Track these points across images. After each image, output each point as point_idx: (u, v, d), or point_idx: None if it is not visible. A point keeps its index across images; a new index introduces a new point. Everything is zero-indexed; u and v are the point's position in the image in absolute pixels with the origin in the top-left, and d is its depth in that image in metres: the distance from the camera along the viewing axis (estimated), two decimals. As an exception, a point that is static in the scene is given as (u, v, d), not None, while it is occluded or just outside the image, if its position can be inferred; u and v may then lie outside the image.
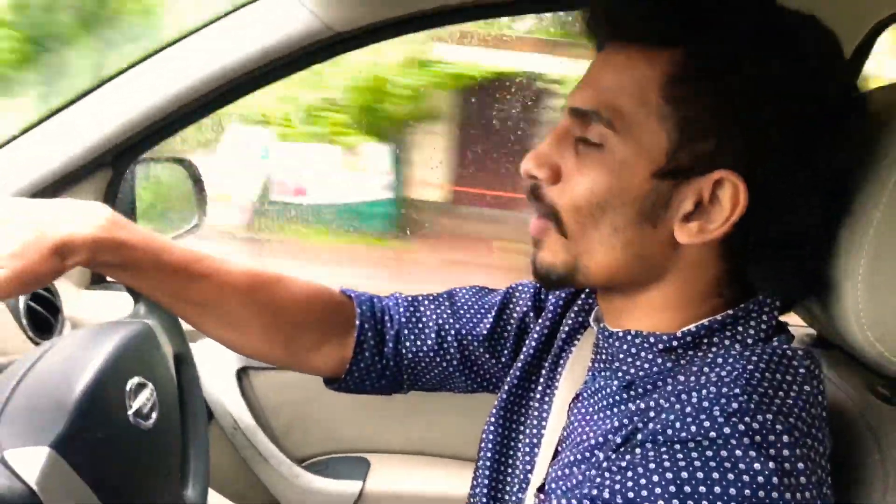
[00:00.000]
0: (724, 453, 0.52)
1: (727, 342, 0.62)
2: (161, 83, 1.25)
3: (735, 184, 0.58)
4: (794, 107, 0.57)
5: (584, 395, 0.70)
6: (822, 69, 0.59)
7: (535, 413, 0.78)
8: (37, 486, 0.58)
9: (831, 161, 0.60)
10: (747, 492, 0.50)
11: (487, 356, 0.88)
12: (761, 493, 0.50)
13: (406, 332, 0.88)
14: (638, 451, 0.55)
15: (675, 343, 0.63)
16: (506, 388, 0.82)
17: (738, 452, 0.51)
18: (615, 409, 0.65)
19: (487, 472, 0.80)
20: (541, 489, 0.69)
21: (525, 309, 0.88)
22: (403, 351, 0.88)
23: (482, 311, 0.89)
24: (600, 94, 0.62)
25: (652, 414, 0.59)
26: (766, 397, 0.55)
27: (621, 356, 0.67)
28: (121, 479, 0.68)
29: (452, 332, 0.88)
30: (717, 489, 0.50)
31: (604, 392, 0.67)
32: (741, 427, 0.52)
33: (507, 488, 0.79)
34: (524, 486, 0.74)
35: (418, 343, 0.88)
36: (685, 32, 0.59)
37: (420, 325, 0.88)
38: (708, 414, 0.54)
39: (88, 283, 1.47)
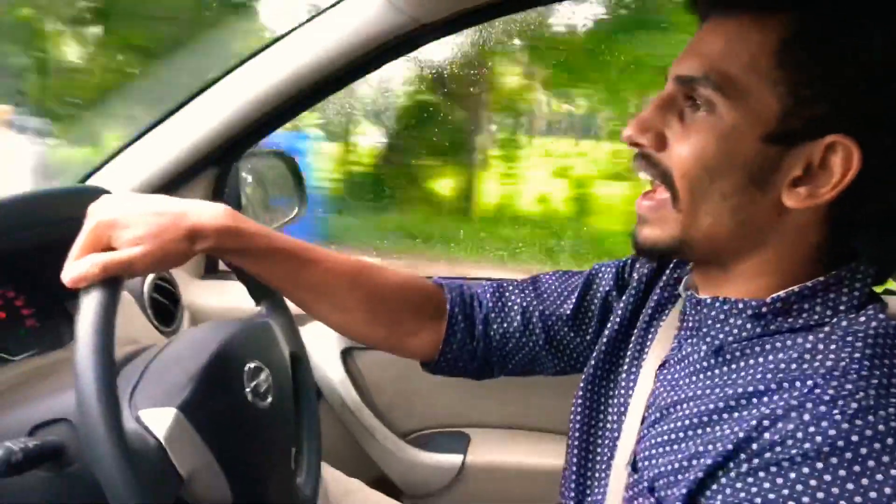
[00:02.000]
0: (856, 467, 0.51)
1: (818, 308, 0.62)
2: (260, 83, 1.33)
3: (848, 147, 0.57)
4: None
5: (671, 361, 0.71)
6: None
7: (623, 384, 0.79)
8: (165, 440, 0.67)
9: None
10: (887, 499, 0.49)
11: (572, 335, 0.90)
12: None
13: (493, 315, 0.92)
14: (762, 475, 0.55)
15: (763, 309, 0.63)
16: (592, 362, 0.84)
17: (871, 463, 0.50)
18: (704, 375, 0.65)
19: (577, 444, 0.83)
20: (633, 467, 0.70)
21: (608, 288, 0.89)
22: (492, 333, 0.91)
23: (566, 292, 0.91)
24: (708, 61, 0.62)
25: (765, 421, 0.56)
26: (882, 388, 0.53)
27: (710, 322, 0.67)
28: (238, 450, 0.75)
29: (537, 313, 0.90)
30: (858, 499, 0.50)
31: (692, 357, 0.68)
32: (868, 431, 0.51)
33: (598, 458, 0.81)
34: (612, 454, 0.76)
35: (504, 325, 0.91)
36: None
37: (506, 309, 0.92)
38: (829, 419, 0.52)
39: (202, 273, 1.59)
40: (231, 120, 1.35)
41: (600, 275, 0.91)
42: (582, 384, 0.85)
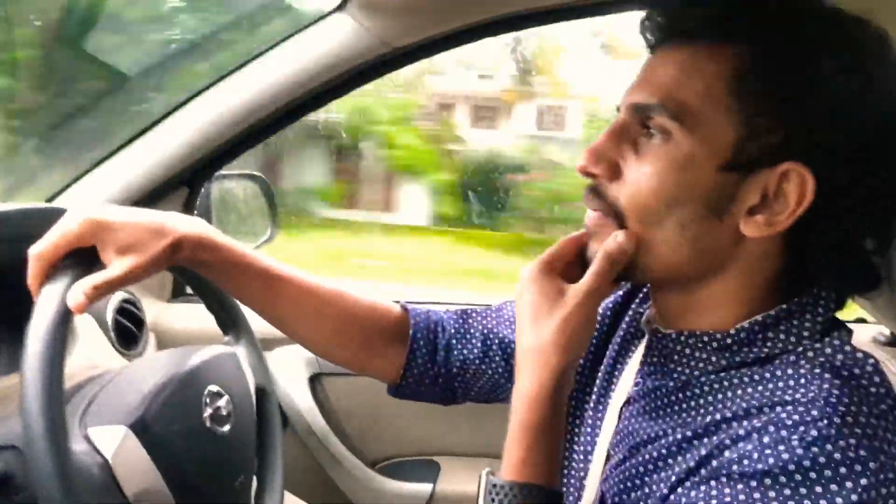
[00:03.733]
0: (803, 489, 0.51)
1: (782, 336, 0.61)
2: (231, 105, 1.32)
3: (802, 175, 0.58)
4: (858, 101, 0.58)
5: (636, 397, 0.70)
6: (882, 67, 0.59)
7: (590, 422, 0.78)
8: (111, 459, 0.66)
9: None
10: None
11: None
12: None
13: (454, 341, 0.92)
14: (714, 485, 0.55)
15: (729, 340, 0.63)
16: None
17: (818, 489, 0.50)
18: (671, 410, 0.65)
19: None
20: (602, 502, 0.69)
21: None
22: (452, 359, 0.91)
23: None
24: (663, 89, 0.62)
25: (727, 440, 0.57)
26: (848, 417, 0.53)
27: (675, 357, 0.67)
28: (191, 475, 0.73)
29: (497, 339, 0.90)
30: None
31: (657, 393, 0.67)
32: (822, 459, 0.51)
33: (565, 498, 0.79)
34: (580, 494, 0.75)
35: (465, 351, 0.91)
36: (751, 28, 0.60)
37: (469, 335, 0.92)
38: (786, 443, 0.53)
39: (169, 297, 1.56)
40: (202, 140, 1.34)
41: None
42: None
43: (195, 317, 1.47)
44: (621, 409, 0.72)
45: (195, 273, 0.88)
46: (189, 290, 1.58)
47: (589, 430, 0.77)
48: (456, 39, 1.27)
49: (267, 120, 1.34)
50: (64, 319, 0.63)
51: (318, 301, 0.87)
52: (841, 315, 0.64)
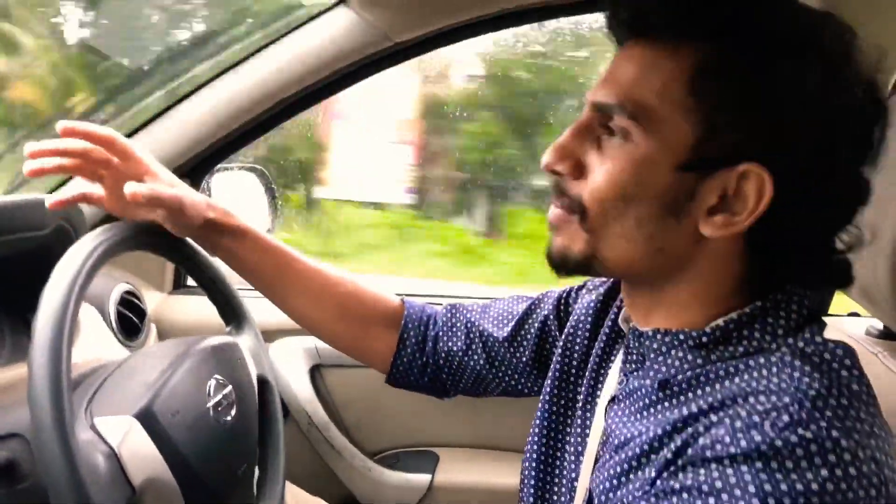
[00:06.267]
0: (776, 469, 0.51)
1: (757, 334, 0.62)
2: (232, 97, 1.33)
3: (760, 175, 0.58)
4: (817, 102, 0.57)
5: (620, 396, 0.71)
6: (844, 66, 0.58)
7: (580, 421, 0.78)
8: (118, 448, 0.67)
9: (856, 157, 0.60)
10: (803, 500, 0.49)
11: (509, 356, 0.92)
12: None
13: (441, 333, 0.95)
14: (689, 470, 0.55)
15: (704, 339, 0.63)
16: (546, 397, 0.84)
17: (789, 465, 0.51)
18: (652, 410, 0.65)
19: (533, 482, 0.82)
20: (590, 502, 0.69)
21: (546, 312, 0.90)
22: (438, 350, 0.95)
23: (509, 315, 0.93)
24: (623, 88, 0.62)
25: (701, 428, 0.58)
26: (819, 402, 0.53)
27: (652, 355, 0.67)
28: (195, 464, 0.74)
29: (478, 332, 0.93)
30: (771, 501, 0.50)
31: (639, 393, 0.67)
32: (794, 439, 0.51)
33: (555, 498, 0.81)
34: (571, 495, 0.76)
35: (450, 343, 0.94)
36: (710, 27, 0.59)
37: (455, 328, 0.95)
38: (759, 428, 0.53)
39: (170, 289, 1.57)
40: (202, 133, 1.35)
41: (543, 301, 0.93)
42: (537, 420, 0.84)
43: (195, 308, 1.48)
44: (606, 408, 0.73)
45: (199, 263, 0.90)
46: (190, 282, 1.59)
47: (579, 430, 0.78)
48: (457, 34, 1.28)
49: (268, 113, 1.35)
50: (70, 304, 0.64)
51: (324, 280, 0.93)
52: (835, 309, 0.65)
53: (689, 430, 0.59)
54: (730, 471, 0.53)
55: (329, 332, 0.97)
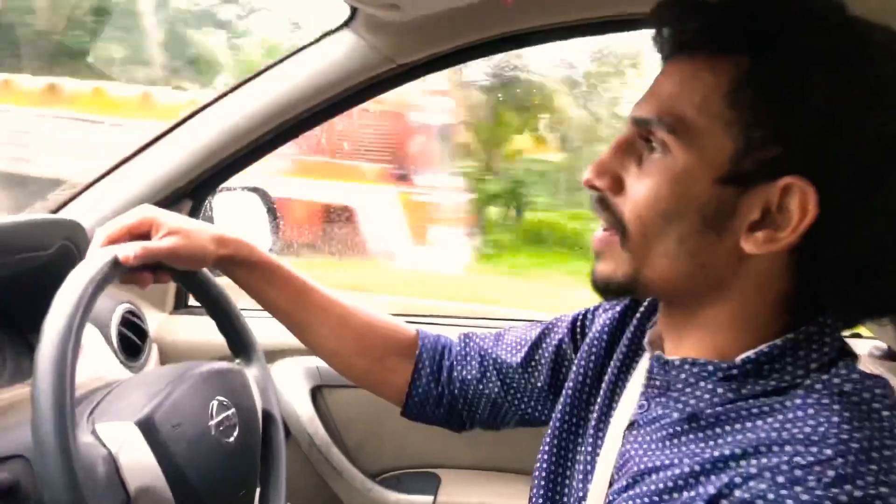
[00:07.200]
0: None
1: (790, 368, 0.60)
2: (236, 118, 1.33)
3: (804, 189, 0.56)
4: (861, 115, 0.56)
5: (641, 422, 0.69)
6: (891, 77, 0.56)
7: (591, 441, 0.77)
8: (116, 452, 0.68)
9: None
10: None
11: (524, 382, 0.91)
12: None
13: (456, 362, 0.94)
14: None
15: (735, 372, 0.61)
16: (557, 415, 0.82)
17: None
18: (677, 441, 0.63)
19: (541, 502, 0.80)
20: None
21: (561, 336, 0.89)
22: (454, 379, 0.93)
23: (523, 341, 0.92)
24: (662, 102, 0.62)
25: (738, 478, 0.54)
26: (862, 454, 0.51)
27: (679, 385, 0.65)
28: (193, 480, 0.74)
29: (491, 359, 0.92)
30: None
31: (663, 422, 0.65)
32: (843, 498, 0.49)
33: None
34: None
35: (464, 372, 0.93)
36: (749, 40, 0.58)
37: (469, 357, 0.94)
38: (804, 485, 0.50)
39: (172, 309, 1.57)
40: (206, 153, 1.36)
41: (557, 325, 0.92)
42: (548, 438, 0.83)
43: (198, 328, 1.48)
44: (625, 432, 0.71)
45: (211, 294, 0.91)
46: (192, 303, 1.59)
47: (589, 448, 0.76)
48: (459, 56, 1.29)
49: (271, 134, 1.36)
50: (74, 325, 0.64)
51: (343, 311, 0.93)
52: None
53: (724, 476, 0.56)
54: None
55: (346, 363, 0.96)
